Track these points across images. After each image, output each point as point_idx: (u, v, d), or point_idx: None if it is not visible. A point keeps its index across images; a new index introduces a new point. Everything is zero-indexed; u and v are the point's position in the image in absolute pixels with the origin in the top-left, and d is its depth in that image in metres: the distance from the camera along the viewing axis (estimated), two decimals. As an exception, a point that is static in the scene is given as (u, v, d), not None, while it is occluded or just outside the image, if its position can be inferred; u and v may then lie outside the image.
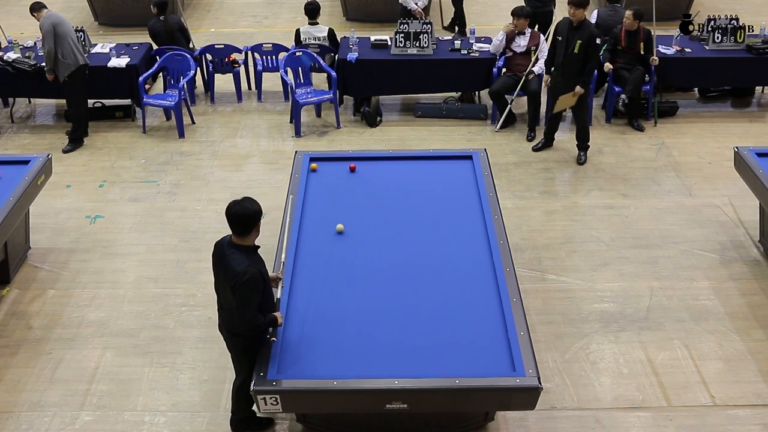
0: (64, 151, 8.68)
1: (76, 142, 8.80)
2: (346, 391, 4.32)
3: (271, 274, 4.72)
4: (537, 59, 8.83)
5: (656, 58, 8.79)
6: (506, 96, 9.02)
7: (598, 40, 7.89)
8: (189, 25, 10.34)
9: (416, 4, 10.48)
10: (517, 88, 8.83)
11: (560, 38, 8.02)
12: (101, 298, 6.39)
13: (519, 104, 9.39)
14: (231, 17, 12.80)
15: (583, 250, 6.91)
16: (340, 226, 5.63)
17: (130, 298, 6.39)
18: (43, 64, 8.61)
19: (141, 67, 9.19)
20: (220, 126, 9.25)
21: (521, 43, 8.90)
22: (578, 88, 7.96)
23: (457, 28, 11.46)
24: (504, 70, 9.04)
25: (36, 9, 8.42)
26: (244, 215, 4.34)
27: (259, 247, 4.53)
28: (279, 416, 5.17)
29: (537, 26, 9.84)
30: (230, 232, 4.49)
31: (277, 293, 4.76)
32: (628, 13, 8.77)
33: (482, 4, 11.68)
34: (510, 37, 8.94)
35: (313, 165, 6.42)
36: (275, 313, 4.57)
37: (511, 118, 9.16)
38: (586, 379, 5.53)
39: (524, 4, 9.85)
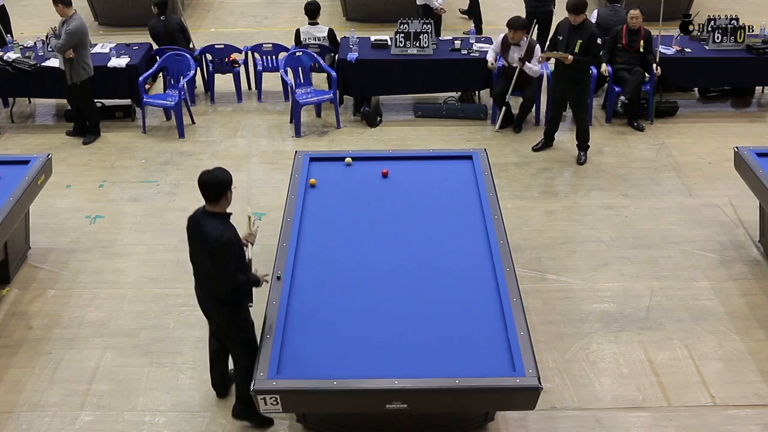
0: (85, 143, 8.79)
1: (94, 132, 8.89)
2: (346, 391, 4.32)
3: (241, 234, 4.83)
4: (532, 56, 8.71)
5: (658, 67, 8.77)
6: (506, 96, 8.99)
7: (599, 40, 7.89)
8: (189, 25, 10.34)
9: (438, 2, 10.41)
10: (512, 83, 8.75)
11: (561, 38, 8.02)
12: (101, 298, 6.39)
13: (518, 104, 9.37)
14: (231, 17, 12.79)
15: (583, 250, 6.91)
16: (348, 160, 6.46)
17: (130, 298, 6.39)
18: (42, 64, 8.57)
19: (141, 67, 9.19)
20: (220, 126, 9.25)
21: (515, 56, 8.75)
22: (570, 57, 7.82)
23: (472, 21, 11.49)
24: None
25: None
26: (214, 183, 4.59)
27: (231, 214, 4.70)
28: (279, 416, 5.17)
29: (537, 26, 9.82)
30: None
31: (248, 253, 4.88)
32: (636, 12, 8.73)
33: (483, 4, 11.65)
34: (506, 47, 8.82)
35: (312, 180, 6.24)
36: (259, 274, 4.78)
37: (511, 118, 9.14)
38: (586, 379, 5.53)
39: (524, 5, 9.84)
